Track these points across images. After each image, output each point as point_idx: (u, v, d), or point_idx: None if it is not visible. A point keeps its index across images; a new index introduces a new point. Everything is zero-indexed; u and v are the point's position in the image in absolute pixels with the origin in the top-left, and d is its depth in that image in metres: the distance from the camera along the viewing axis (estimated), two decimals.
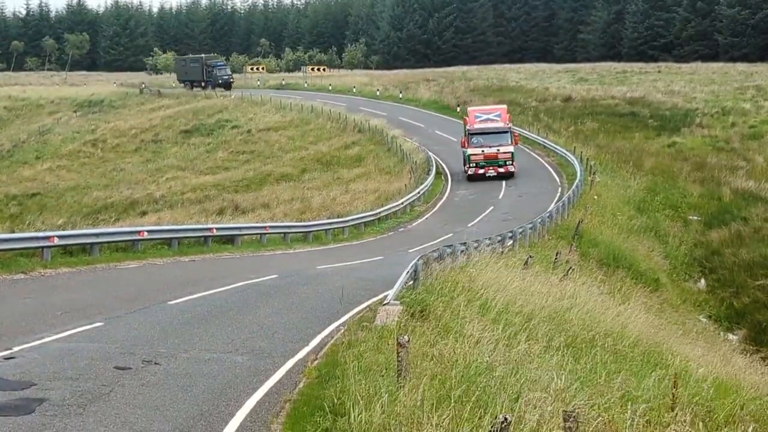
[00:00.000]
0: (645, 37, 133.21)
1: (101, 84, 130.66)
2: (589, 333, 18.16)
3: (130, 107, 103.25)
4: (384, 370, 12.81)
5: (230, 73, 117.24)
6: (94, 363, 14.46)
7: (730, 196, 55.51)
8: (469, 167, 58.39)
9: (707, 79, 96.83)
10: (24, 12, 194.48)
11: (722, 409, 14.47)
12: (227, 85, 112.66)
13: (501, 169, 58.04)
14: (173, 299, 20.75)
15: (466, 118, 60.91)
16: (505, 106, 63.02)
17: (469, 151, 58.05)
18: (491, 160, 58.02)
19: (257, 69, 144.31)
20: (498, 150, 57.76)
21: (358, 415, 11.33)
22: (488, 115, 59.73)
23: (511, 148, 57.87)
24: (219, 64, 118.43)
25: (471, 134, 58.01)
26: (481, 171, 58.25)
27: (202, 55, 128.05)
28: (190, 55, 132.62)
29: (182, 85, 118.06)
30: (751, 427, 13.94)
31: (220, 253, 32.66)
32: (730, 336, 36.28)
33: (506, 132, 58.02)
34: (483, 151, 57.74)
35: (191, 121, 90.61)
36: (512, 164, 58.25)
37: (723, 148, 68.97)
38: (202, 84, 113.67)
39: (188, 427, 11.72)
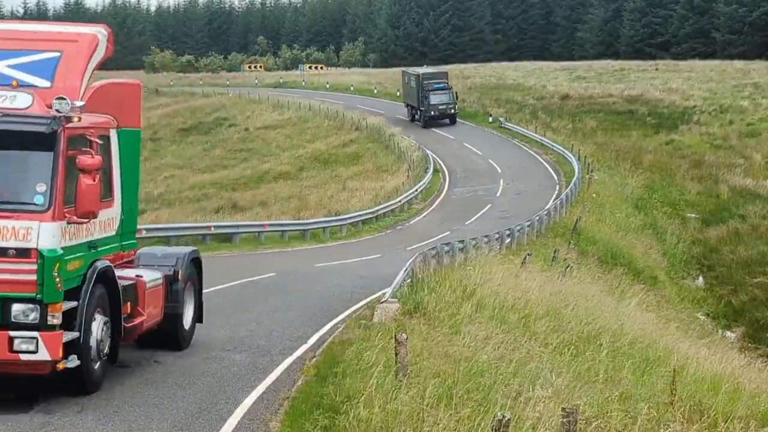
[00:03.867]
0: (642, 34, 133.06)
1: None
2: (587, 331, 18.18)
3: None
4: (382, 368, 12.81)
5: (454, 100, 76.58)
6: None
7: (728, 194, 55.51)
8: None
9: (705, 77, 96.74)
10: (22, 10, 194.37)
11: (720, 406, 14.48)
12: (451, 119, 76.86)
13: None
14: None
15: None
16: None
17: None
18: None
19: (255, 67, 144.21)
20: None
21: (357, 412, 11.33)
22: None
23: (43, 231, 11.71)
24: (437, 86, 76.35)
25: None
26: None
27: (421, 70, 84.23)
28: (414, 69, 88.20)
29: (406, 108, 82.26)
30: (749, 424, 13.95)
31: (218, 251, 32.64)
32: (729, 334, 36.30)
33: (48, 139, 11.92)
34: None
35: (189, 119, 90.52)
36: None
37: (721, 146, 68.93)
38: (418, 113, 78.08)
39: (187, 425, 11.72)
